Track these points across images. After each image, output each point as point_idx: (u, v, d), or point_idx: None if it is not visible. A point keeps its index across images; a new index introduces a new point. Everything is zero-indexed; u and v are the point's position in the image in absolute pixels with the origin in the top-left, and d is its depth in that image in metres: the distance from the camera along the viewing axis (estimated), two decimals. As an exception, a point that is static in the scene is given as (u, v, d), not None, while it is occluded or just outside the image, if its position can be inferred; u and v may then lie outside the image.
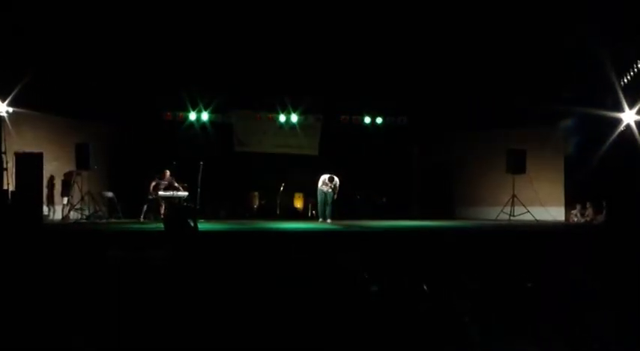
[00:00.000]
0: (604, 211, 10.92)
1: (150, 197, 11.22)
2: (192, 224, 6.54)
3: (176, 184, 11.28)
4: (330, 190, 10.96)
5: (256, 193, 13.88)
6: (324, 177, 11.03)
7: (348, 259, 4.85)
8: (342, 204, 13.02)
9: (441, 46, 12.13)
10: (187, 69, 12.12)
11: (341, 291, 3.59)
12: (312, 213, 13.37)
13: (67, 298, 3.60)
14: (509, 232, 8.39)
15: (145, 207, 11.24)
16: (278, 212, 13.56)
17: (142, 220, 11.09)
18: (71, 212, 10.94)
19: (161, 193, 11.56)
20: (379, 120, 14.28)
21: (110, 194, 11.73)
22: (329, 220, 10.87)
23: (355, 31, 11.82)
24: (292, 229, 8.61)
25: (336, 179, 10.99)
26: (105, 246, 5.76)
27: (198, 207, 10.35)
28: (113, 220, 11.05)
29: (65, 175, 11.41)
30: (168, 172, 11.51)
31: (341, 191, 11.27)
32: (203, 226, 9.39)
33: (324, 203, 11.02)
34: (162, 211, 11.28)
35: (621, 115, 10.49)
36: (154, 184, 11.31)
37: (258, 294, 3.50)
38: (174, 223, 6.36)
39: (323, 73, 12.64)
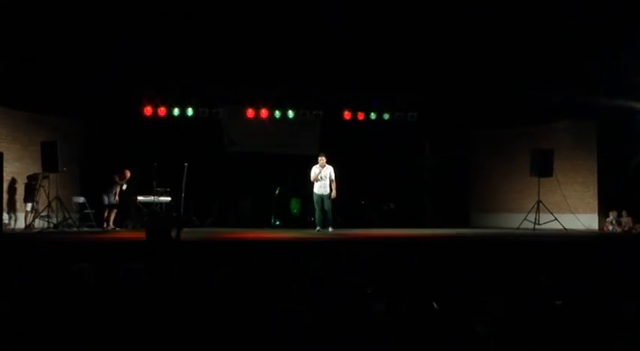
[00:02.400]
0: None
1: (114, 203, 11.22)
2: (173, 236, 6.44)
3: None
4: (325, 192, 10.74)
5: (248, 198, 13.80)
6: (315, 168, 10.75)
7: (349, 272, 4.73)
8: (345, 210, 12.95)
9: (455, 33, 12.03)
10: (170, 57, 11.99)
11: (341, 308, 3.52)
12: (311, 220, 13.26)
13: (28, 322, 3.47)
14: (534, 243, 8.39)
15: (113, 214, 11.20)
16: (273, 219, 13.48)
17: (112, 227, 11.04)
18: (36, 220, 10.83)
19: (141, 198, 11.46)
20: (386, 116, 14.16)
21: (81, 199, 11.60)
22: (330, 229, 10.69)
23: (358, 17, 11.74)
24: (288, 239, 8.60)
25: (330, 167, 10.77)
26: (74, 258, 5.67)
27: (182, 215, 10.25)
28: (85, 229, 10.95)
29: (29, 177, 11.26)
30: (128, 173, 11.45)
31: (344, 196, 11.13)
32: (188, 235, 9.34)
33: (322, 208, 10.79)
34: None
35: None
36: (117, 190, 11.37)
37: (249, 311, 3.47)
38: (155, 233, 6.26)
39: (323, 63, 12.53)
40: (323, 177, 10.73)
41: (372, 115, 14.10)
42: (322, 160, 10.80)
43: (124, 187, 11.52)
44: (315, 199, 10.88)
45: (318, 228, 10.87)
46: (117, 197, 11.42)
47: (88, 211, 11.40)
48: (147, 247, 6.32)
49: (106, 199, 11.28)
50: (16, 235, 9.78)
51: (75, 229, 10.68)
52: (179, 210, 10.84)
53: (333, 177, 10.77)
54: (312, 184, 10.91)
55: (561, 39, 11.30)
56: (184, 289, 4.18)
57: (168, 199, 11.55)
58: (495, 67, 12.34)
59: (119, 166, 11.80)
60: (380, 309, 3.55)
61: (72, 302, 3.74)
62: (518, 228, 11.66)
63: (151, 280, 4.33)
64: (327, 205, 10.73)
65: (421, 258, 6.37)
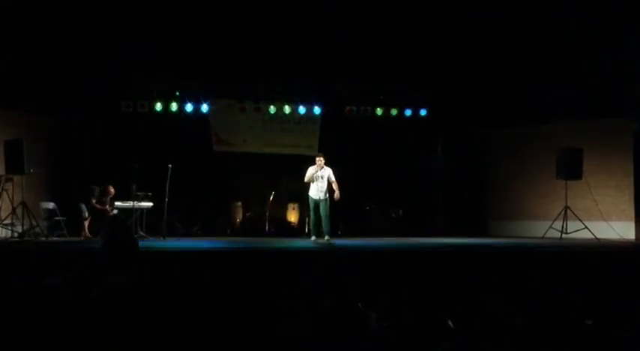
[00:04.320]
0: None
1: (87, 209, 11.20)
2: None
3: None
4: (322, 196, 10.70)
5: (239, 204, 13.82)
6: (311, 169, 10.77)
7: (351, 289, 4.90)
8: (348, 217, 12.89)
9: (471, 21, 11.97)
10: (152, 47, 11.94)
11: (339, 328, 3.62)
12: (309, 229, 13.21)
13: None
14: (561, 254, 8.33)
15: (88, 221, 11.18)
16: (267, 228, 13.46)
17: (88, 236, 11.01)
18: (-2, 229, 10.78)
19: (118, 203, 11.40)
20: (394, 112, 14.14)
21: (51, 205, 11.48)
22: (327, 238, 10.66)
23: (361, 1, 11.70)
24: (283, 249, 8.68)
25: (329, 169, 10.81)
26: (44, 272, 5.63)
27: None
28: (55, 239, 10.85)
29: (-11, 181, 11.22)
30: (112, 189, 11.41)
31: (346, 201, 11.07)
32: (172, 244, 9.34)
33: (318, 214, 10.78)
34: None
35: None
36: (94, 202, 11.36)
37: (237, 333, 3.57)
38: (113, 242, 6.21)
39: (323, 52, 12.46)
40: (320, 178, 10.74)
41: (379, 111, 14.06)
42: (320, 160, 10.84)
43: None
44: (310, 204, 10.86)
45: (313, 238, 10.82)
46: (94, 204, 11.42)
47: (59, 218, 11.27)
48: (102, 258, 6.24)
49: (84, 209, 11.23)
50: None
51: (43, 239, 10.57)
52: (162, 216, 10.80)
53: (333, 178, 10.77)
54: (307, 187, 10.89)
55: (589, 29, 11.26)
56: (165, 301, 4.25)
57: (150, 204, 11.48)
58: (516, 59, 12.28)
59: (103, 169, 11.71)
60: (384, 326, 3.62)
61: (42, 321, 3.72)
62: (542, 237, 11.63)
63: (131, 295, 4.39)
64: (324, 210, 10.68)
65: (433, 271, 6.32)
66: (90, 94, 12.39)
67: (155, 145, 12.79)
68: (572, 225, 11.42)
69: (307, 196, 10.99)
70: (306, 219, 13.44)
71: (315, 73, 13.03)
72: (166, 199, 10.79)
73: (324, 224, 10.71)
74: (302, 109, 14.01)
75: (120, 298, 4.31)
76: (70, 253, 8.01)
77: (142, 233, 11.09)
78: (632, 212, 12.33)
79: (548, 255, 8.32)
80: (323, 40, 12.20)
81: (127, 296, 4.38)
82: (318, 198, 10.72)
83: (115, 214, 11.02)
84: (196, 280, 5.31)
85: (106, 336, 3.48)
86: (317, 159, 10.89)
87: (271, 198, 13.55)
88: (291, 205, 13.92)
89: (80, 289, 4.63)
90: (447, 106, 13.83)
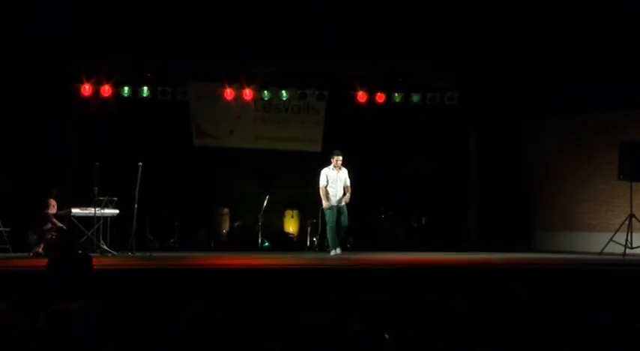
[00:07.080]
0: None
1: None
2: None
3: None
4: (341, 202, 10.92)
5: (226, 211, 13.92)
6: (328, 171, 10.94)
7: (362, 313, 4.66)
8: (359, 227, 12.83)
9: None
10: (119, 16, 11.86)
11: None
12: (312, 241, 13.43)
13: None
14: (626, 274, 8.21)
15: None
16: (260, 240, 13.47)
17: (38, 251, 10.88)
18: None
19: (76, 210, 11.36)
20: (415, 98, 14.11)
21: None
22: (336, 251, 10.85)
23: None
24: (280, 266, 8.64)
25: (345, 170, 11.23)
26: None
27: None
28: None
29: None
30: (53, 201, 11.30)
31: (357, 208, 11.12)
32: (142, 261, 9.31)
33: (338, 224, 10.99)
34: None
35: None
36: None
37: None
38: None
39: (328, 25, 12.39)
40: (338, 181, 11.08)
41: (397, 97, 14.02)
42: (338, 160, 11.16)
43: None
44: (333, 211, 11.06)
45: (337, 250, 10.97)
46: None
47: (1, 229, 11.25)
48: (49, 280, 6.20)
49: (33, 238, 11.13)
50: None
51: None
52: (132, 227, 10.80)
53: (348, 182, 11.19)
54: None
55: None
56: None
57: (115, 211, 11.41)
58: (567, 29, 12.18)
59: (58, 169, 11.73)
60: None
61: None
62: (601, 253, 11.48)
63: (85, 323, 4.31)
64: (346, 219, 11.05)
65: (464, 295, 6.23)
66: (37, 75, 12.30)
67: (122, 138, 12.90)
68: (639, 238, 11.31)
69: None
70: (308, 229, 13.59)
71: (319, 51, 12.96)
72: (136, 206, 10.80)
73: (334, 235, 10.99)
74: (302, 95, 14.00)
75: (70, 328, 4.31)
76: (15, 272, 7.96)
77: (105, 247, 11.00)
78: None
79: (608, 275, 8.16)
80: (328, 8, 12.13)
81: (79, 325, 4.38)
82: (339, 205, 11.06)
83: (63, 228, 10.93)
84: (169, 307, 5.23)
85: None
86: (336, 159, 11.16)
87: (265, 204, 13.56)
88: (289, 213, 13.96)
89: (27, 316, 4.64)
90: (481, 90, 13.83)
